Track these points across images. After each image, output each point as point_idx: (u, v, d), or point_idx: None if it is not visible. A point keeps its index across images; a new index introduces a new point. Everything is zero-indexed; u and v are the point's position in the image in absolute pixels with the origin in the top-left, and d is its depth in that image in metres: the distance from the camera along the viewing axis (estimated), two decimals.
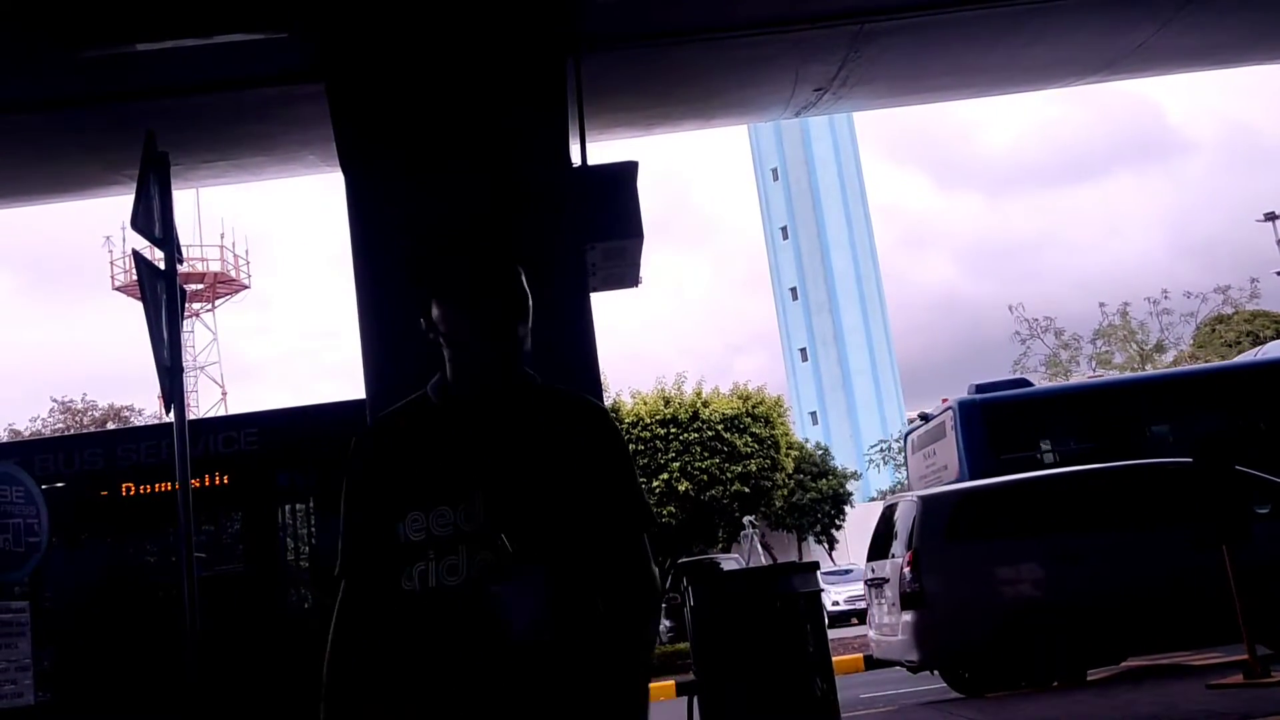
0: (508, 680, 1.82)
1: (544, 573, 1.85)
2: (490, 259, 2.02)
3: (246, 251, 38.17)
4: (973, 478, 12.20)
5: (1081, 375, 42.70)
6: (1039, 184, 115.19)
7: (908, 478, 16.83)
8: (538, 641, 1.82)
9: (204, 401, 36.53)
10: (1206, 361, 31.12)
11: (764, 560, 26.06)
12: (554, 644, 1.84)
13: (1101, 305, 43.39)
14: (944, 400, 14.60)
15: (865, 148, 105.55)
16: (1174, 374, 18.48)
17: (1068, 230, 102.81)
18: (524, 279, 2.06)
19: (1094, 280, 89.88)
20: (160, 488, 8.25)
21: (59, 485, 8.21)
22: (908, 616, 8.95)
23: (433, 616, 1.87)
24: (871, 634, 10.32)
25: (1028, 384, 15.72)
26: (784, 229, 60.50)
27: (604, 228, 5.78)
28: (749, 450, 19.70)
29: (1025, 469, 11.27)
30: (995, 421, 13.64)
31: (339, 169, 5.88)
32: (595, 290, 6.16)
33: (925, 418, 15.27)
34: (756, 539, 25.00)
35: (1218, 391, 14.22)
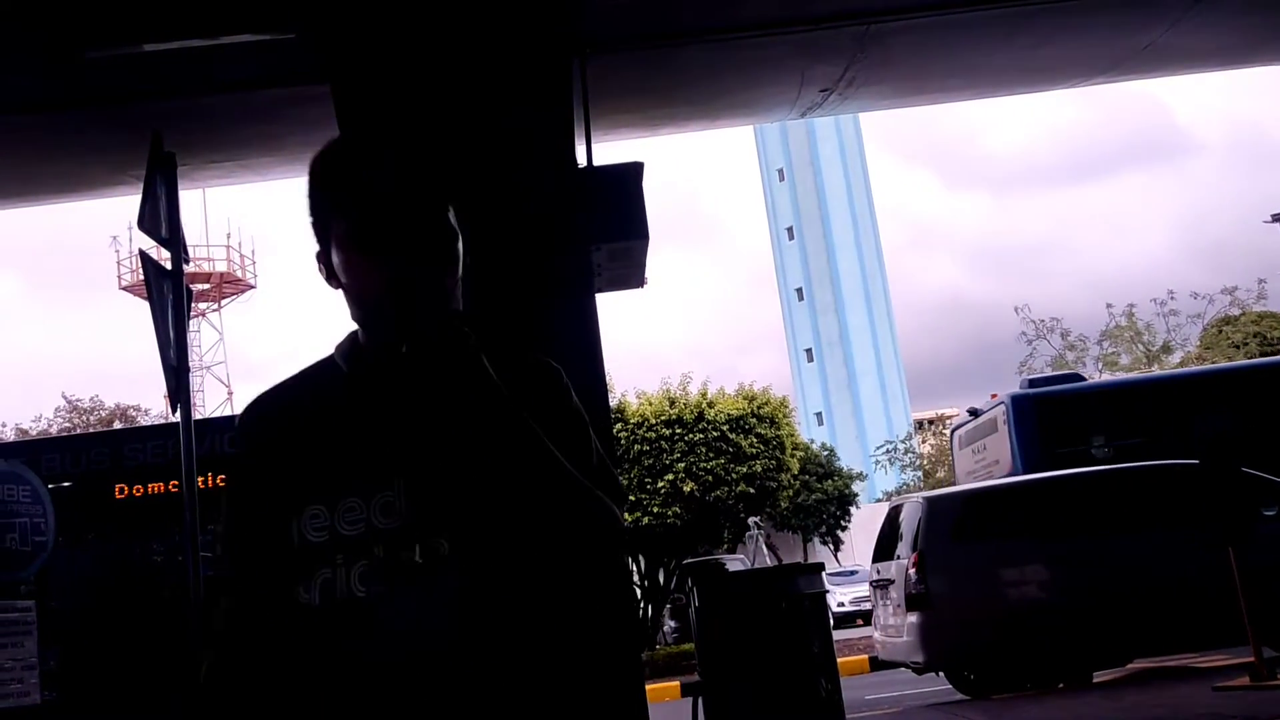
0: (427, 712, 1.44)
1: (460, 578, 1.46)
2: (405, 189, 1.51)
3: (253, 252, 38.22)
4: (1026, 472, 12.17)
5: (1089, 377, 42.57)
6: (1047, 184, 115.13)
7: (954, 473, 16.81)
8: (441, 664, 1.44)
9: (210, 401, 36.63)
10: (1213, 363, 31.05)
11: (769, 561, 26.08)
12: (468, 666, 1.45)
13: (1109, 306, 43.34)
14: (993, 395, 14.66)
15: (872, 148, 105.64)
16: (1230, 369, 18.43)
17: (1076, 231, 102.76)
18: (452, 215, 1.57)
19: (1102, 281, 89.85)
20: (166, 487, 8.27)
21: (65, 485, 8.23)
22: (913, 618, 8.94)
23: (340, 636, 1.46)
24: (877, 635, 10.31)
25: (1080, 379, 15.79)
26: (789, 229, 60.50)
27: (609, 229, 5.78)
28: (754, 451, 19.69)
29: (1079, 464, 11.24)
30: (1049, 416, 13.62)
31: None
32: (600, 291, 6.16)
33: (975, 413, 15.28)
34: (762, 540, 25.03)
35: (1275, 386, 14.08)
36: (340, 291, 1.55)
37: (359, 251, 1.48)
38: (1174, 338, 41.74)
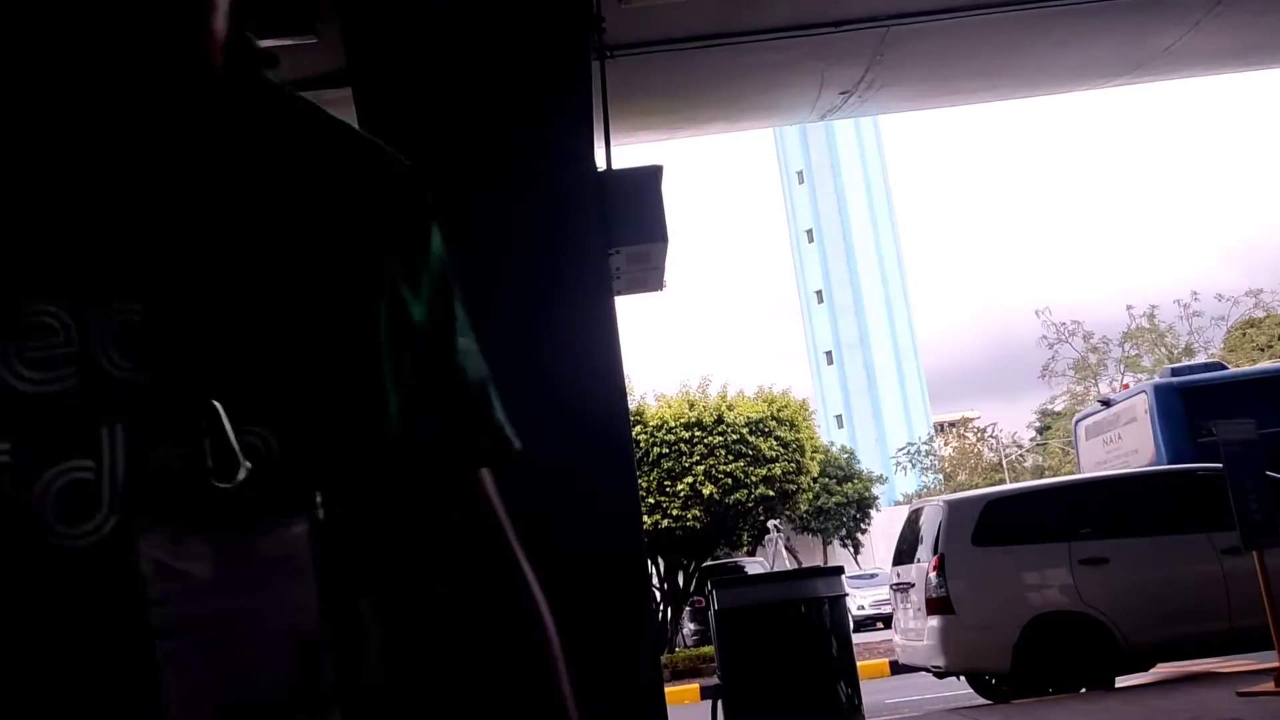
0: None
1: (313, 525, 0.66)
2: None
3: None
4: (1171, 462, 12.05)
5: (1119, 378, 42.32)
6: (1079, 182, 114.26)
7: (1079, 464, 16.67)
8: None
9: None
10: (1237, 365, 30.81)
11: (788, 564, 26.03)
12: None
13: (1129, 308, 43.13)
14: (1125, 385, 14.55)
15: (898, 145, 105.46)
16: None
17: (1109, 230, 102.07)
18: None
19: (1135, 281, 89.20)
20: None
21: None
22: (933, 622, 8.91)
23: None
24: (897, 639, 10.28)
25: (1222, 367, 15.72)
26: (809, 232, 60.43)
27: (628, 232, 5.79)
28: (774, 454, 19.66)
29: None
30: (1192, 405, 13.48)
31: None
32: (619, 294, 6.17)
33: (1106, 403, 15.17)
34: (781, 543, 24.95)
35: None
36: None
37: None
38: (1197, 340, 41.49)
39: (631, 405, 18.86)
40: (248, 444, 0.64)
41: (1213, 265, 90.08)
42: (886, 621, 20.35)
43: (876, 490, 35.90)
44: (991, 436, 49.59)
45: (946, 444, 50.71)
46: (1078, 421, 16.62)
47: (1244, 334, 39.15)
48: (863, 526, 34.57)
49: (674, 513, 18.84)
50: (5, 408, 0.61)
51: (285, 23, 5.85)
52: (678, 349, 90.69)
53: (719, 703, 6.43)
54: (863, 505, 34.32)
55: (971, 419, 53.80)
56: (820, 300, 59.97)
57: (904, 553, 9.96)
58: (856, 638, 8.65)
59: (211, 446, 0.63)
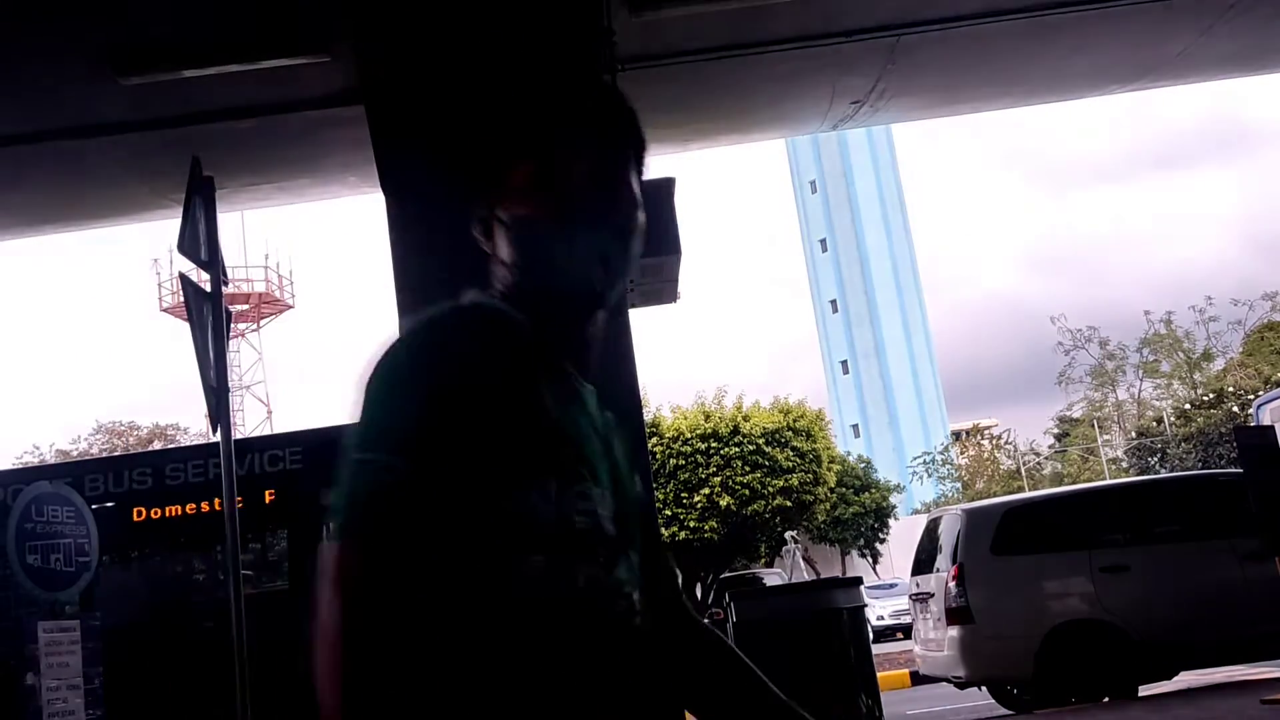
0: None
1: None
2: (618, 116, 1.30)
3: (290, 272, 38.68)
4: None
5: (1128, 385, 42.14)
6: (1107, 183, 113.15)
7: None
8: None
9: (250, 420, 36.95)
10: (1256, 370, 30.53)
11: (807, 575, 25.96)
12: None
13: (1146, 314, 42.93)
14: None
15: (914, 152, 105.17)
16: None
17: (1136, 230, 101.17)
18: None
19: (1163, 281, 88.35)
20: (207, 506, 8.35)
21: (108, 505, 8.34)
22: (953, 631, 8.86)
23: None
24: (917, 649, 10.22)
25: None
26: (823, 241, 60.36)
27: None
28: (790, 464, 19.61)
29: None
30: None
31: (380, 190, 5.95)
32: (633, 306, 6.18)
33: None
34: (799, 553, 24.88)
35: None
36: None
37: (570, 167, 1.23)
38: (1214, 344, 41.26)
39: (647, 417, 18.85)
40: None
41: (1230, 265, 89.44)
42: (906, 632, 20.23)
43: (894, 499, 35.76)
44: (1009, 444, 49.38)
45: (963, 452, 50.48)
46: (1260, 405, 16.28)
47: (1262, 337, 38.90)
48: (881, 536, 34.42)
49: (691, 524, 18.80)
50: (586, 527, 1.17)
51: (299, 42, 5.89)
52: (693, 361, 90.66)
53: None
54: (880, 515, 34.19)
55: (987, 427, 53.57)
56: (835, 310, 59.85)
57: (923, 562, 9.92)
58: (876, 648, 8.61)
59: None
